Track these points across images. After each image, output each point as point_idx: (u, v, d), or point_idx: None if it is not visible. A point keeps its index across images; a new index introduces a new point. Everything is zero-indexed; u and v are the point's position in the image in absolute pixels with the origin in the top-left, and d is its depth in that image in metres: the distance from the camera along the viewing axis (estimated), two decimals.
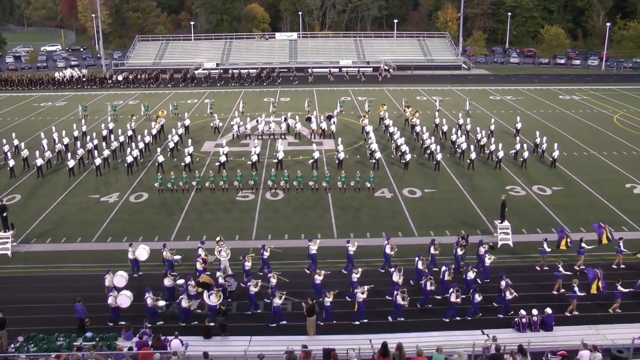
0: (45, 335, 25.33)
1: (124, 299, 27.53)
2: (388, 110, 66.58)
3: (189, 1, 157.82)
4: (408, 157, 50.60)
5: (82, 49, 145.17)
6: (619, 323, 27.63)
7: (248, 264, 31.05)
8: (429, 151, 52.57)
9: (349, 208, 42.00)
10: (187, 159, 49.43)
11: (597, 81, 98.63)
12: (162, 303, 27.93)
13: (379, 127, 63.32)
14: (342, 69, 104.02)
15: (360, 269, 30.32)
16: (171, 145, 54.26)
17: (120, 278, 28.94)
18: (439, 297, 29.65)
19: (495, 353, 22.84)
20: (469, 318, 28.13)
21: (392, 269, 30.09)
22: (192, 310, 28.20)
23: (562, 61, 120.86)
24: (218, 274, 30.32)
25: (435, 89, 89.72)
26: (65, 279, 32.30)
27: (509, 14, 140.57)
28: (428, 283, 28.87)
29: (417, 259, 31.23)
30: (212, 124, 62.91)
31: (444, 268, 30.40)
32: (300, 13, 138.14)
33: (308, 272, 32.36)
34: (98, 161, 49.15)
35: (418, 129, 59.11)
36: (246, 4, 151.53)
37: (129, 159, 49.56)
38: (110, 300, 27.67)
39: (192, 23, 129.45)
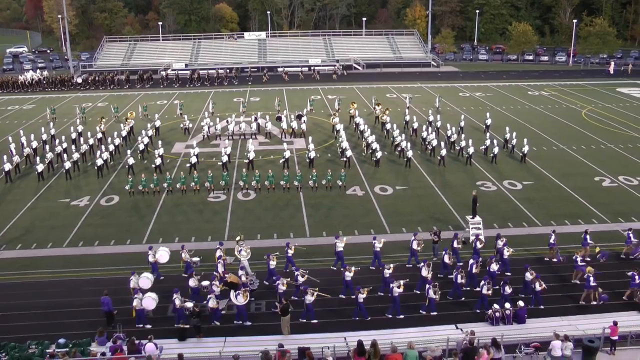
0: (17, 344, 24.90)
1: (149, 301, 27.40)
2: (358, 108, 66.79)
3: (157, 1, 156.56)
4: (379, 154, 50.80)
5: (48, 51, 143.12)
6: (590, 314, 28.08)
7: (273, 263, 31.21)
8: (399, 148, 52.84)
9: (321, 207, 42.06)
10: (158, 161, 49.11)
11: (565, 77, 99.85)
12: (190, 304, 27.84)
13: (349, 125, 63.49)
14: (313, 68, 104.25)
15: (392, 265, 30.63)
16: (141, 147, 53.84)
17: (145, 280, 28.70)
18: (478, 289, 29.69)
19: (469, 347, 23.04)
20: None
21: (421, 264, 30.52)
22: (221, 310, 28.06)
23: (530, 57, 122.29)
24: (240, 272, 30.50)
25: (405, 86, 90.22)
26: (36, 285, 31.86)
27: (477, 11, 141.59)
28: (459, 276, 29.50)
29: (443, 252, 32.09)
30: (182, 125, 62.60)
31: (471, 261, 30.97)
32: (268, 12, 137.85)
33: (334, 269, 32.78)
34: (67, 165, 48.56)
35: (388, 126, 59.40)
36: (214, 4, 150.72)
37: (99, 161, 49.08)
38: (135, 303, 27.52)
39: (160, 23, 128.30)
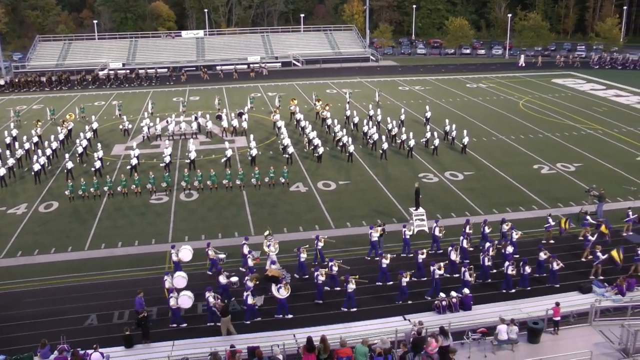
0: None
1: (186, 300, 27.02)
2: (299, 104, 66.70)
3: None
4: (321, 150, 50.88)
5: None
6: (533, 297, 28.85)
7: (303, 256, 31.45)
8: (341, 143, 52.99)
9: (265, 204, 41.89)
10: (97, 164, 48.10)
11: (501, 69, 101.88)
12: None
13: (290, 121, 63.36)
14: (251, 65, 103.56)
15: (425, 250, 31.84)
16: (80, 150, 52.56)
17: (180, 279, 28.17)
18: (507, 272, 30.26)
19: (418, 337, 23.26)
20: (529, 289, 29.69)
21: (450, 248, 31.50)
22: (257, 307, 27.71)
23: (468, 51, 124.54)
24: (274, 266, 30.77)
25: (345, 81, 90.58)
26: None
27: (414, 6, 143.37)
28: (486, 259, 30.40)
29: (461, 237, 32.91)
30: (121, 127, 61.36)
31: (487, 244, 31.81)
32: (206, 10, 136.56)
33: (368, 258, 33.37)
34: (2, 171, 46.93)
35: (329, 122, 59.59)
36: (150, 2, 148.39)
37: (36, 167, 47.69)
38: (172, 302, 27.13)
39: (95, 22, 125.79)
